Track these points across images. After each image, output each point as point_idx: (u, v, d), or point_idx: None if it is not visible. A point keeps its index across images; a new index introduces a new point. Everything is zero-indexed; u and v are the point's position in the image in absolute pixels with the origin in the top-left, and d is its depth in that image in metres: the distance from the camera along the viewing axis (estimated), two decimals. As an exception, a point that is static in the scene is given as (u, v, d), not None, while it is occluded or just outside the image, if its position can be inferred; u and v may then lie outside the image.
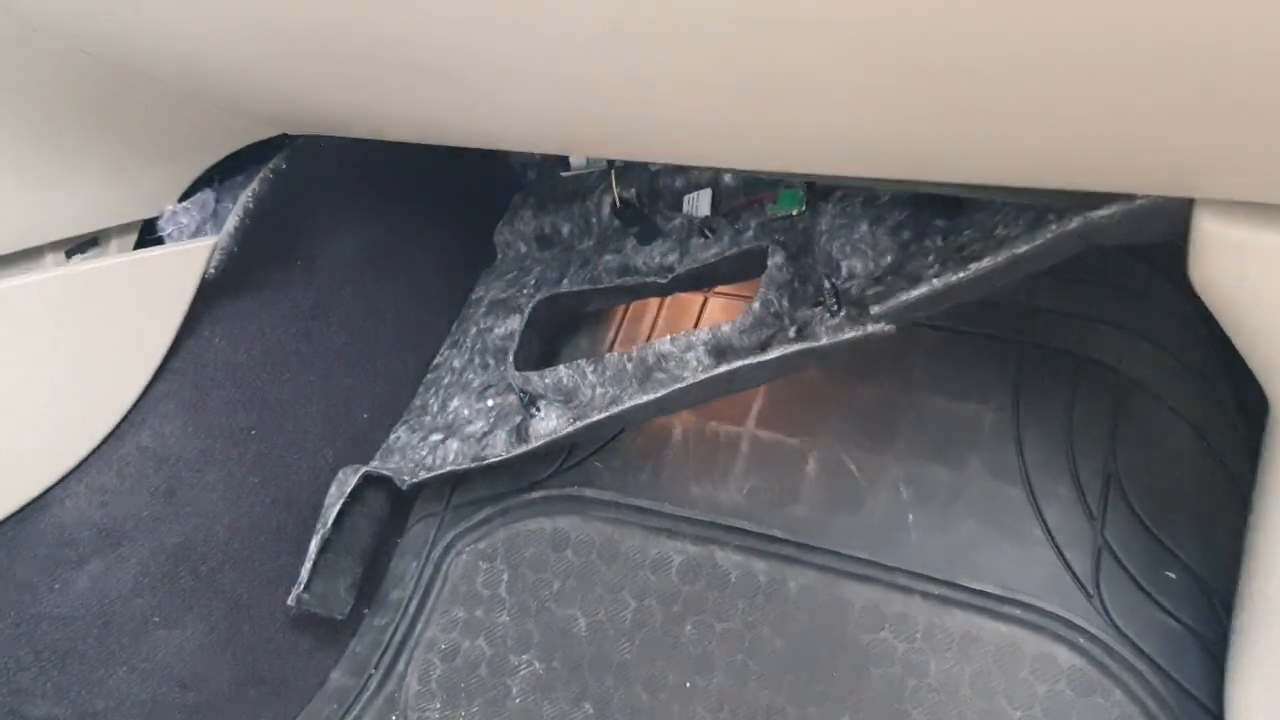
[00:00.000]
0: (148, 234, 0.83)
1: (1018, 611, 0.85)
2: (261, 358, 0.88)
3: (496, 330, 1.00)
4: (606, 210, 1.04)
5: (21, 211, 0.72)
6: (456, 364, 1.01)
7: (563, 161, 1.11)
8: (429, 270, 1.04)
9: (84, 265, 0.72)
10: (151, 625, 0.85)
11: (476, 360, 0.99)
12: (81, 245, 0.80)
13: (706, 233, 0.93)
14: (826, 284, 0.74)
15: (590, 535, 0.98)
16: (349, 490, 0.89)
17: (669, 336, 0.81)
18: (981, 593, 0.86)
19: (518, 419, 0.89)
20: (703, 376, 0.75)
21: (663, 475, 0.98)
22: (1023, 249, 0.61)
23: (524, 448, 0.85)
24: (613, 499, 0.98)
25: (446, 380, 1.01)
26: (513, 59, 0.50)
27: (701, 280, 0.92)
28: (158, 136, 0.75)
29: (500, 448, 0.87)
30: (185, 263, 0.78)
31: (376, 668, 0.99)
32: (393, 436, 0.99)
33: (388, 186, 0.96)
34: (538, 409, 0.87)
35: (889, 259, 0.81)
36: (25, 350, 0.72)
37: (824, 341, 0.69)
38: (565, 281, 1.00)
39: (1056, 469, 0.89)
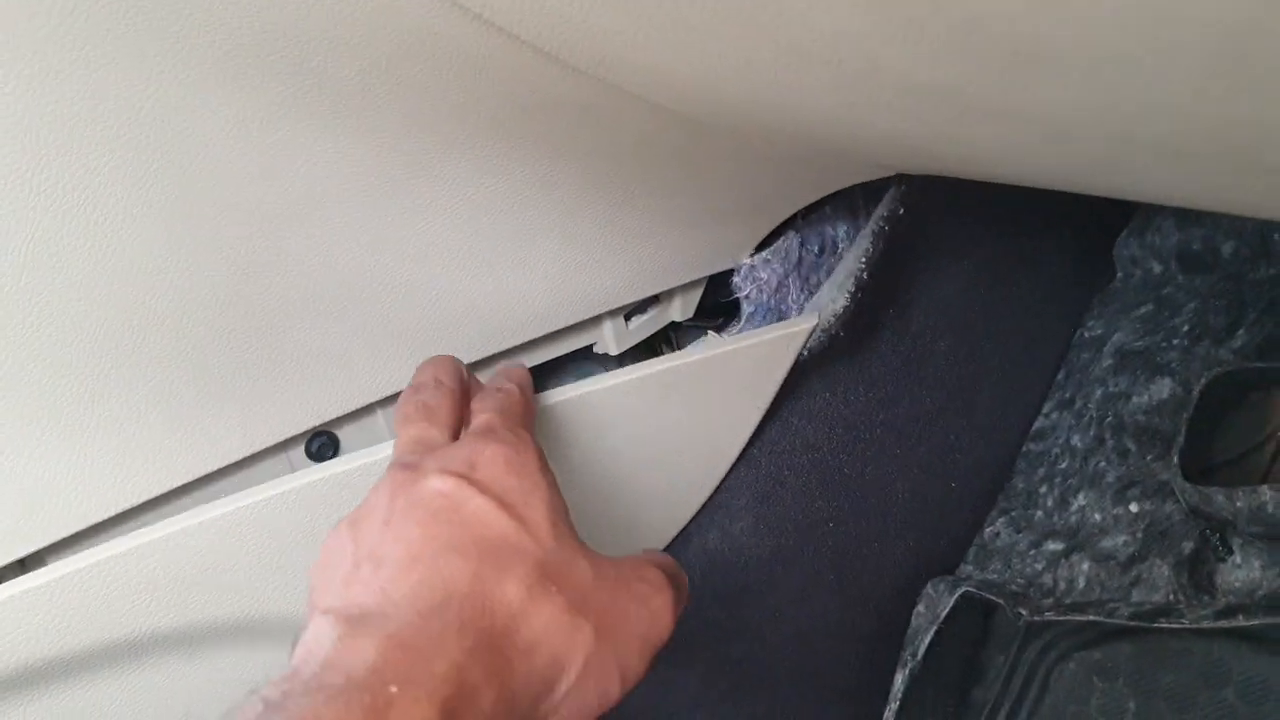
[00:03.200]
0: (714, 292, 0.69)
1: None
2: (842, 434, 0.72)
3: (1135, 399, 0.75)
4: (1302, 226, 0.74)
5: (584, 281, 0.62)
6: (1076, 441, 0.78)
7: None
8: (1035, 298, 0.81)
9: (670, 362, 0.59)
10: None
11: (1109, 440, 0.75)
12: (642, 305, 0.68)
13: None
14: None
15: (1266, 675, 0.72)
16: (943, 615, 0.70)
17: None
18: None
19: (1185, 547, 0.65)
20: None
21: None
22: None
23: (1210, 610, 0.60)
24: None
25: (1064, 464, 0.78)
26: None
27: None
28: (737, 187, 0.60)
29: (1165, 591, 0.64)
30: (780, 346, 0.62)
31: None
32: (989, 530, 0.79)
33: (992, 201, 0.73)
34: (1229, 547, 0.62)
35: None
36: (598, 454, 0.61)
37: None
38: (1241, 334, 0.72)
39: None
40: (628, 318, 0.68)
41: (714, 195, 0.59)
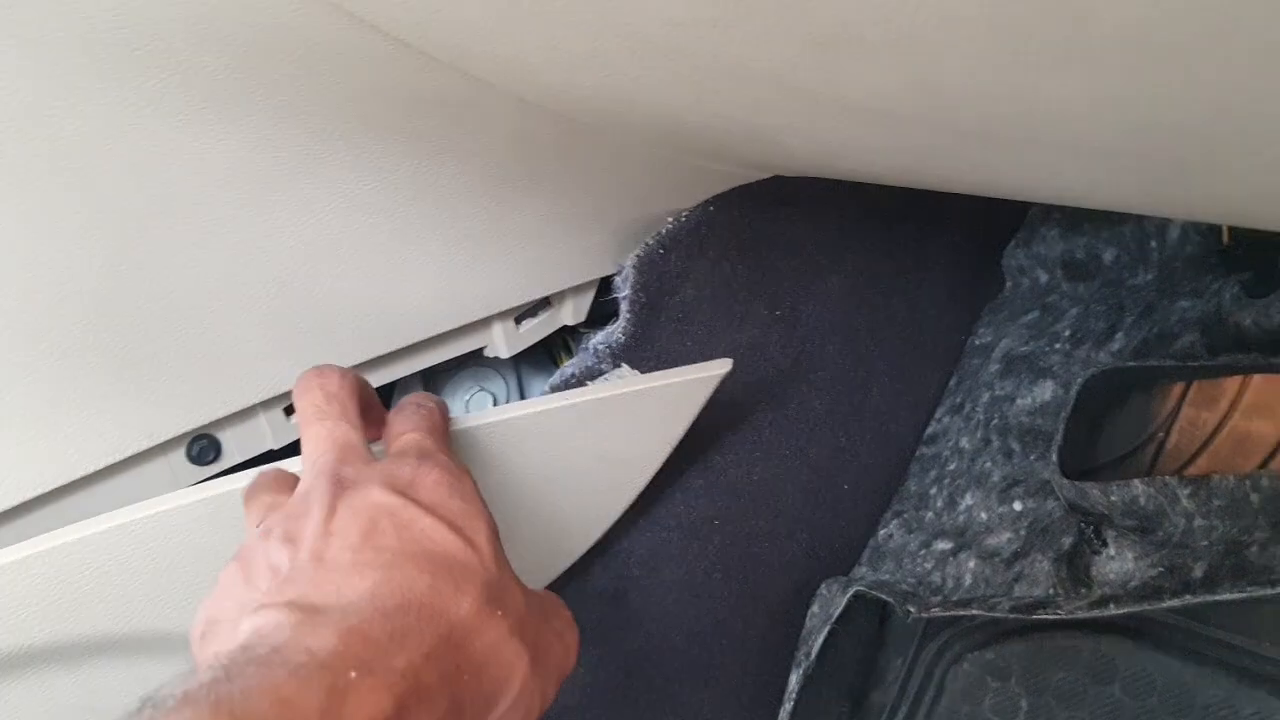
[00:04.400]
0: (602, 293, 0.70)
1: None
2: (727, 434, 0.72)
3: (1020, 401, 0.78)
4: (1174, 234, 0.77)
5: (471, 282, 0.62)
6: (965, 444, 0.80)
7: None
8: (925, 304, 0.83)
9: (585, 395, 0.58)
10: (604, 745, 0.74)
11: (995, 442, 0.77)
12: (533, 309, 0.69)
13: (1364, 282, 0.64)
14: None
15: (1149, 670, 0.74)
16: (836, 615, 0.72)
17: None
18: None
19: (1065, 541, 0.67)
20: None
21: (1267, 600, 0.71)
22: None
23: (1085, 601, 0.62)
24: (1185, 624, 0.73)
25: (952, 465, 0.80)
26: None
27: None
28: (618, 188, 0.61)
29: (1045, 586, 0.66)
30: (695, 388, 0.63)
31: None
32: (883, 532, 0.80)
33: (877, 197, 0.76)
34: (1103, 540, 0.64)
35: None
36: (504, 481, 0.60)
37: None
38: (1119, 337, 0.75)
39: None
40: (519, 321, 0.69)
41: (596, 196, 0.60)
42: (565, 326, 0.72)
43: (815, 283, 0.73)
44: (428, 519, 0.40)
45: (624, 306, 0.67)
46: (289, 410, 0.62)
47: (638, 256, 0.62)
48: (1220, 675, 0.71)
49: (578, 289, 0.70)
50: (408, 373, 0.66)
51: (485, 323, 0.67)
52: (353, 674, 0.32)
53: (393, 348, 0.62)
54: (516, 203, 0.59)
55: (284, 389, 0.59)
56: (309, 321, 0.58)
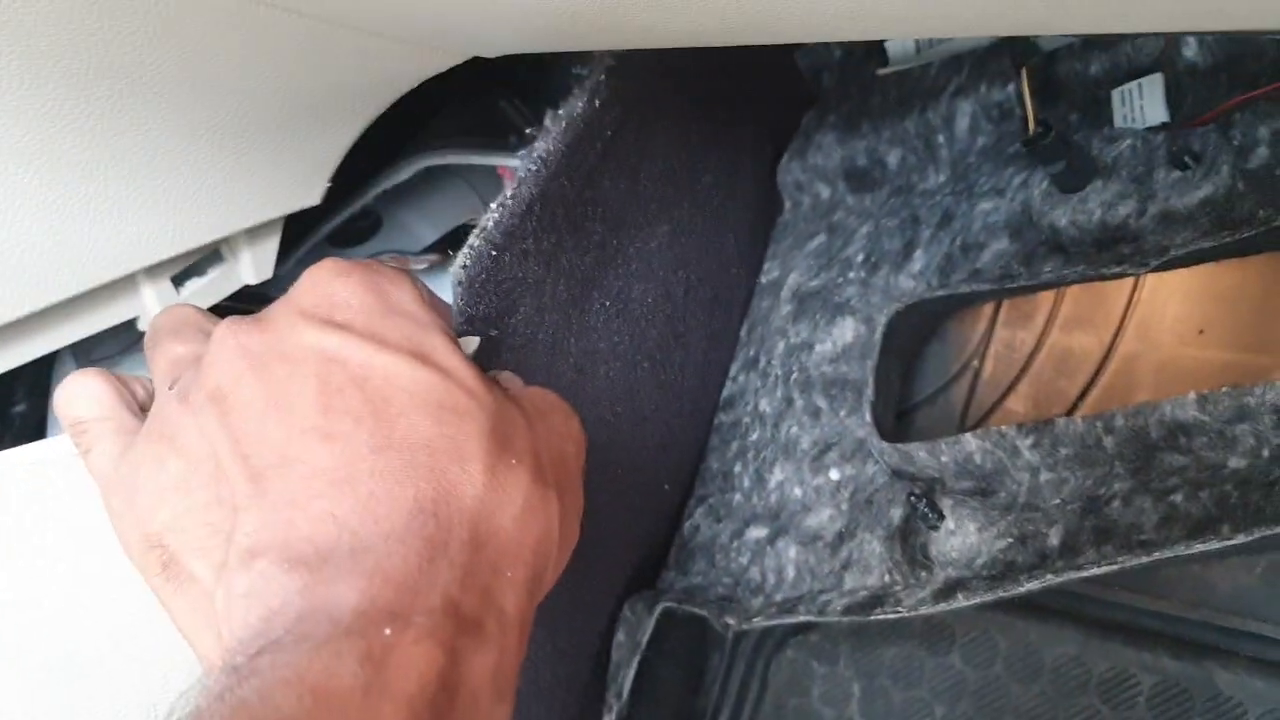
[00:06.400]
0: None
1: None
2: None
3: (819, 347, 0.66)
4: (963, 125, 0.67)
5: (91, 226, 0.44)
6: (765, 406, 0.68)
7: (876, 53, 0.73)
8: (728, 247, 0.71)
9: None
10: None
11: (798, 400, 0.66)
12: (198, 265, 0.53)
13: (1187, 160, 0.55)
14: None
15: (990, 633, 0.66)
16: (645, 640, 0.60)
17: (1194, 395, 0.46)
18: None
19: (895, 514, 0.57)
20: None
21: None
22: None
23: (928, 591, 0.52)
24: (1025, 578, 0.65)
25: (755, 434, 0.68)
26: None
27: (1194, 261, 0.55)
28: (276, 86, 0.44)
29: (880, 572, 0.55)
30: None
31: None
32: (688, 524, 0.68)
33: (680, 116, 0.63)
34: (938, 512, 0.54)
35: None
36: None
37: None
38: (919, 256, 0.65)
39: None
40: (178, 282, 0.52)
41: (256, 100, 0.43)
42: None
43: (638, 256, 0.58)
44: (384, 356, 0.32)
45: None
46: None
47: (464, 268, 0.44)
48: (1069, 629, 0.63)
49: (254, 235, 0.54)
50: (35, 355, 0.48)
51: (130, 283, 0.50)
52: (387, 631, 0.27)
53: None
54: (135, 111, 0.41)
55: None
56: None
